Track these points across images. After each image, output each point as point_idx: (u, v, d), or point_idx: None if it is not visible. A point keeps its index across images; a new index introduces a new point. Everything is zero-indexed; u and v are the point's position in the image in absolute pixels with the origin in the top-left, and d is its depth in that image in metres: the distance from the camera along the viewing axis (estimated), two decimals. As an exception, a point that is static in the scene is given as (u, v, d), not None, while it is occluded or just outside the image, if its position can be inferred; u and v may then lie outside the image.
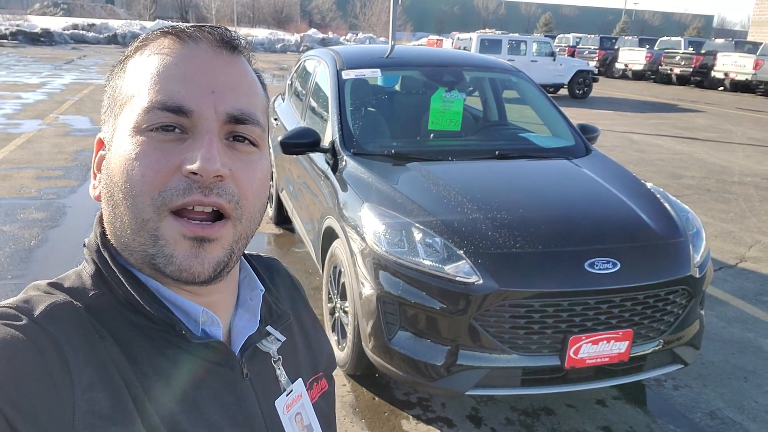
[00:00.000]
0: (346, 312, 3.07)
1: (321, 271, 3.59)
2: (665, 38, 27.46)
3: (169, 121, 0.63)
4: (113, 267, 0.66)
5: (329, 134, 3.65)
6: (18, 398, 0.53)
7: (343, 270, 3.04)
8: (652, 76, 25.94)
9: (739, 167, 8.97)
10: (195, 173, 0.62)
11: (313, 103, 4.35)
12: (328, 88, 3.95)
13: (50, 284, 0.66)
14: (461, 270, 2.57)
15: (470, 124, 4.25)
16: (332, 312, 3.34)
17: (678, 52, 24.30)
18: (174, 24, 0.70)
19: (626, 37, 29.92)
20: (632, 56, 26.33)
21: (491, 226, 2.71)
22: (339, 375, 3.19)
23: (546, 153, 3.70)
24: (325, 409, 0.84)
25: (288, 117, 4.85)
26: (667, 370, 2.84)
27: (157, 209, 0.62)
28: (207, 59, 0.66)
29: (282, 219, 5.23)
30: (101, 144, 0.71)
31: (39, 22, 34.40)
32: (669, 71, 24.58)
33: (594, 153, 3.77)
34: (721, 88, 22.71)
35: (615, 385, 3.11)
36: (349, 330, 2.98)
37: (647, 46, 26.71)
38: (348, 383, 3.13)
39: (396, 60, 4.36)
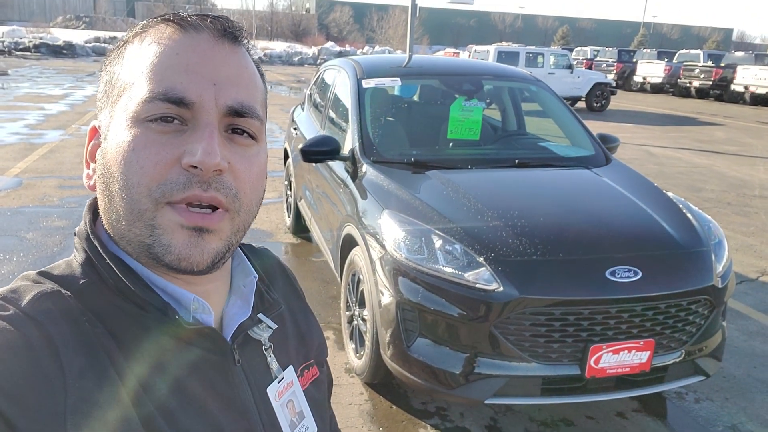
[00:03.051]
0: (364, 320, 3.07)
1: (339, 279, 3.60)
2: (684, 51, 27.30)
3: (169, 112, 0.62)
4: (103, 254, 0.66)
5: (349, 142, 3.67)
6: (7, 387, 0.53)
7: (362, 277, 3.05)
8: (671, 90, 25.76)
9: (760, 181, 8.86)
10: (195, 166, 0.61)
11: (333, 112, 4.38)
12: (348, 96, 3.98)
13: (39, 273, 0.66)
14: (481, 277, 2.56)
15: (489, 134, 4.25)
16: (350, 320, 3.34)
17: (697, 65, 24.13)
18: (175, 11, 0.69)
19: (644, 50, 29.79)
20: (651, 69, 26.19)
21: (511, 234, 2.70)
22: (356, 383, 3.19)
23: (566, 162, 3.69)
24: (316, 395, 0.84)
25: (307, 126, 4.88)
26: (689, 381, 2.80)
27: (155, 201, 0.62)
28: (208, 49, 0.65)
29: (300, 228, 5.25)
30: (95, 132, 0.70)
31: (61, 35, 35.02)
32: (688, 84, 24.40)
33: (614, 162, 3.75)
34: (741, 101, 22.49)
35: (635, 398, 3.07)
36: (368, 338, 2.98)
37: (666, 59, 26.55)
38: (365, 392, 3.13)
39: (415, 69, 4.39)
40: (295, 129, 5.22)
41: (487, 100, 4.64)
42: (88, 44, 33.01)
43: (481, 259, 2.60)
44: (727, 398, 3.19)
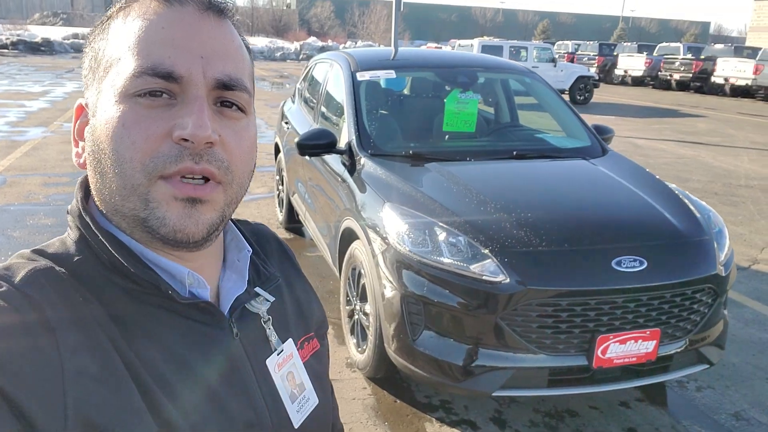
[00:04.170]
0: (366, 314, 3.04)
1: (338, 273, 3.56)
2: (664, 44, 27.59)
3: (158, 87, 0.62)
4: (96, 231, 0.66)
5: (345, 136, 3.63)
6: (4, 363, 0.52)
7: (363, 271, 3.02)
8: (652, 82, 26.01)
9: (745, 171, 8.97)
10: (186, 140, 0.61)
11: (327, 106, 4.33)
12: (342, 90, 3.93)
13: (34, 251, 0.65)
14: (487, 269, 2.54)
15: (483, 126, 4.23)
16: (351, 315, 3.31)
17: (677, 58, 24.38)
18: None
19: (625, 44, 30.03)
20: (631, 62, 26.41)
21: (515, 225, 2.68)
22: (359, 378, 3.16)
23: (563, 153, 3.68)
24: (317, 368, 0.84)
25: (299, 120, 4.83)
26: (693, 370, 2.81)
27: (148, 175, 0.62)
28: (194, 23, 0.65)
29: (292, 223, 5.20)
30: (82, 110, 0.69)
31: (39, 32, 34.37)
32: (668, 77, 24.64)
33: (611, 153, 3.75)
34: (721, 93, 22.76)
35: (638, 387, 3.07)
36: (371, 332, 2.94)
37: (646, 53, 26.78)
38: (369, 386, 3.10)
39: (411, 61, 4.36)
40: (286, 123, 5.16)
41: (479, 92, 4.62)
42: (66, 41, 32.46)
43: (486, 251, 2.58)
44: (728, 386, 3.21)
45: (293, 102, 5.42)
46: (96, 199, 0.68)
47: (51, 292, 0.59)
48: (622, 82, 27.16)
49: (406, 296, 2.65)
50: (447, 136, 3.80)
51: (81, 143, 0.69)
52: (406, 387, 3.10)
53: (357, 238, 3.12)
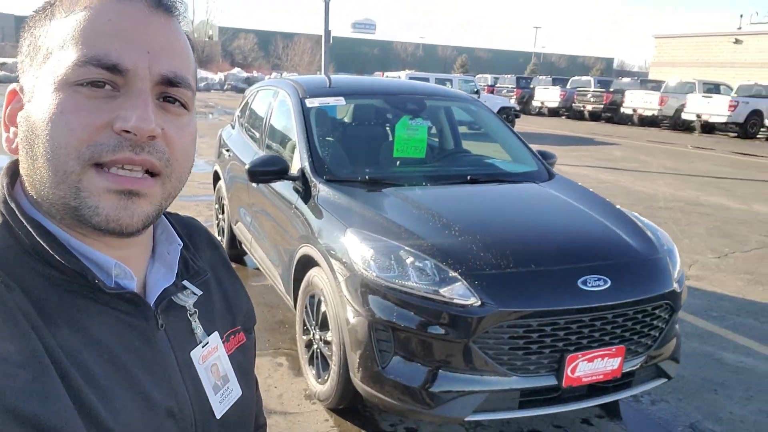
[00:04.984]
0: (327, 343, 2.93)
1: (291, 302, 3.44)
2: (576, 78, 29.05)
3: (101, 78, 0.62)
4: (20, 218, 0.64)
5: (297, 162, 3.55)
6: None
7: (323, 298, 2.92)
8: (566, 113, 27.32)
9: (663, 194, 9.49)
10: (128, 131, 0.61)
11: (273, 133, 4.24)
12: (291, 116, 3.86)
13: None
14: (456, 292, 2.52)
15: (431, 152, 4.26)
16: (309, 344, 3.19)
17: (589, 90, 25.74)
18: None
19: (540, 77, 31.44)
20: (547, 94, 27.68)
21: (481, 247, 2.68)
22: (319, 410, 3.04)
23: (514, 177, 3.75)
24: (242, 361, 0.85)
25: (242, 148, 4.70)
26: (653, 384, 2.87)
27: (82, 162, 0.61)
28: (143, 18, 0.65)
29: (234, 253, 5.01)
30: (15, 95, 0.68)
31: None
32: (582, 108, 25.96)
33: (558, 177, 3.86)
34: (630, 123, 24.17)
35: (598, 404, 3.11)
36: (334, 361, 2.84)
37: (560, 86, 28.14)
38: (330, 418, 2.98)
39: (359, 89, 4.35)
40: (227, 150, 5.01)
41: (426, 119, 4.67)
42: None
43: (455, 274, 2.55)
44: (681, 399, 3.31)
45: (233, 128, 5.29)
46: (27, 185, 0.66)
47: None
48: (539, 113, 28.38)
49: (374, 323, 2.58)
50: (398, 162, 3.79)
51: (12, 128, 0.68)
52: (369, 416, 3.00)
53: (315, 264, 3.03)
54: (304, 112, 3.77)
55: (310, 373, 3.17)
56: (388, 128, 4.25)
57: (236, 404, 0.81)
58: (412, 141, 3.85)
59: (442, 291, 2.53)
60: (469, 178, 3.54)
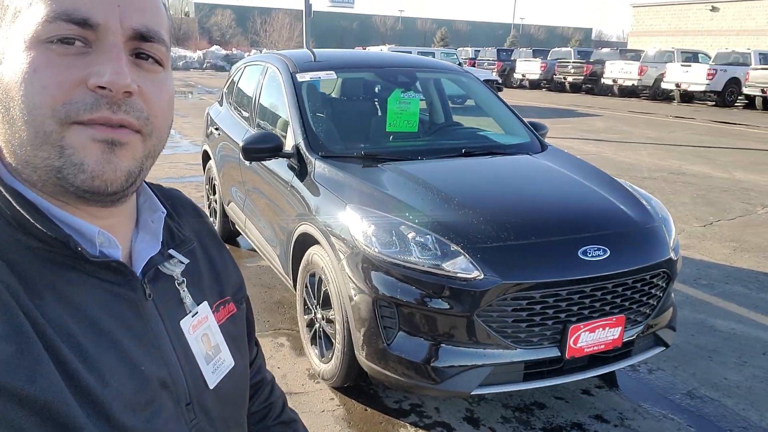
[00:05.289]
0: (330, 321, 2.93)
1: (290, 282, 3.42)
2: (557, 49, 29.01)
3: (72, 34, 0.59)
4: None
5: (291, 139, 3.51)
6: None
7: (324, 277, 2.91)
8: (547, 85, 27.34)
9: (646, 164, 9.56)
10: (103, 87, 0.59)
11: (264, 109, 4.18)
12: (283, 92, 3.80)
13: None
14: (459, 266, 2.52)
15: (424, 126, 4.23)
16: (310, 324, 3.19)
17: (570, 62, 25.74)
18: None
19: (521, 49, 31.34)
20: (528, 67, 27.62)
21: (482, 220, 2.68)
22: (324, 389, 3.05)
23: (507, 149, 3.74)
24: (233, 331, 0.84)
25: (232, 125, 4.63)
26: (652, 353, 2.91)
27: (60, 121, 0.59)
28: None
29: (227, 235, 4.97)
30: None
31: None
32: (563, 80, 25.98)
33: (551, 148, 3.86)
34: (611, 93, 24.25)
35: (597, 375, 3.16)
36: (337, 340, 2.84)
37: (540, 57, 28.09)
38: (336, 396, 2.99)
39: (349, 62, 4.28)
40: (216, 129, 4.93)
41: (418, 92, 4.63)
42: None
43: (457, 248, 2.55)
44: (677, 366, 3.37)
45: (221, 106, 5.20)
46: (5, 151, 0.63)
47: None
48: (521, 85, 28.35)
49: (377, 299, 2.58)
50: (392, 137, 3.76)
51: None
52: (374, 394, 3.02)
53: (315, 243, 3.01)
54: (296, 87, 3.71)
55: (312, 352, 3.17)
56: (377, 103, 4.21)
57: (229, 374, 0.80)
58: (405, 115, 3.81)
59: (444, 265, 2.52)
60: (463, 151, 3.53)
